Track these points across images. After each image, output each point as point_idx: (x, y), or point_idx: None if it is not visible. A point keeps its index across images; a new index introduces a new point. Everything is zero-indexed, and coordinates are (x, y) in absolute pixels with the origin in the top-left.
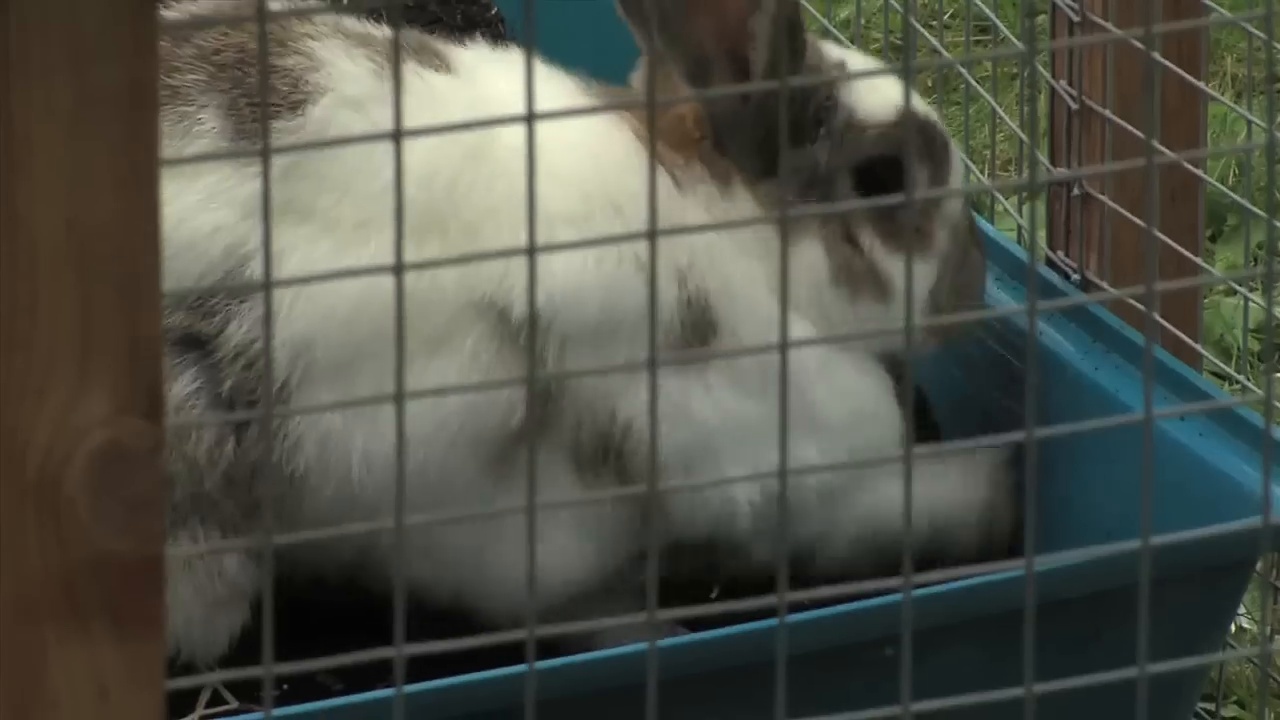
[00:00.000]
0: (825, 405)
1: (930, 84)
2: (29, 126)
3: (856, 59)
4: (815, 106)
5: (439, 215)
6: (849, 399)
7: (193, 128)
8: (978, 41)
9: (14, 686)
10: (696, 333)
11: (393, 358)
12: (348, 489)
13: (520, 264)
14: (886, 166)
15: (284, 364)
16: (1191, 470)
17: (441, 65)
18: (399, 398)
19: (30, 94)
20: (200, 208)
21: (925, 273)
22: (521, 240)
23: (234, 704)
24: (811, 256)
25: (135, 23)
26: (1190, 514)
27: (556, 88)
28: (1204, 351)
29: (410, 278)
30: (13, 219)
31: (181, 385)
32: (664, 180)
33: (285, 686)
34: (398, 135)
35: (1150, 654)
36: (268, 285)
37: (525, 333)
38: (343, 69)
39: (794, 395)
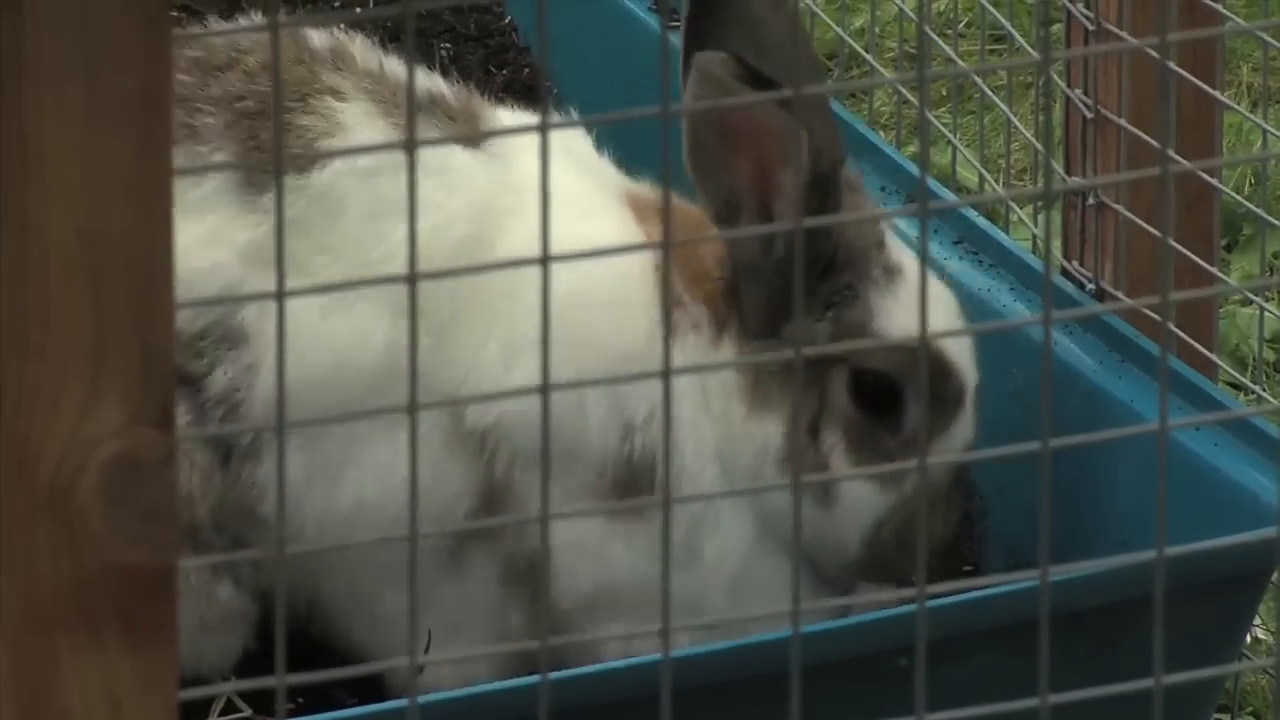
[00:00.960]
0: (713, 591)
1: (945, 93)
2: (42, 133)
3: (910, 265)
4: (834, 287)
5: (424, 300)
6: (742, 591)
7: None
8: (993, 50)
9: (26, 696)
10: (630, 489)
11: (359, 427)
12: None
13: (480, 374)
14: (884, 388)
15: (259, 417)
16: (1206, 481)
17: (473, 140)
18: (412, 407)
19: (43, 101)
20: (202, 245)
21: (874, 500)
22: (491, 349)
23: (248, 712)
24: (767, 434)
25: (149, 30)
26: (1206, 525)
27: (584, 186)
28: (1219, 361)
29: (381, 357)
30: (25, 227)
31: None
32: (648, 320)
33: (300, 700)
34: (411, 145)
35: (1166, 664)
36: (280, 294)
37: (473, 440)
38: (359, 138)
39: (700, 570)
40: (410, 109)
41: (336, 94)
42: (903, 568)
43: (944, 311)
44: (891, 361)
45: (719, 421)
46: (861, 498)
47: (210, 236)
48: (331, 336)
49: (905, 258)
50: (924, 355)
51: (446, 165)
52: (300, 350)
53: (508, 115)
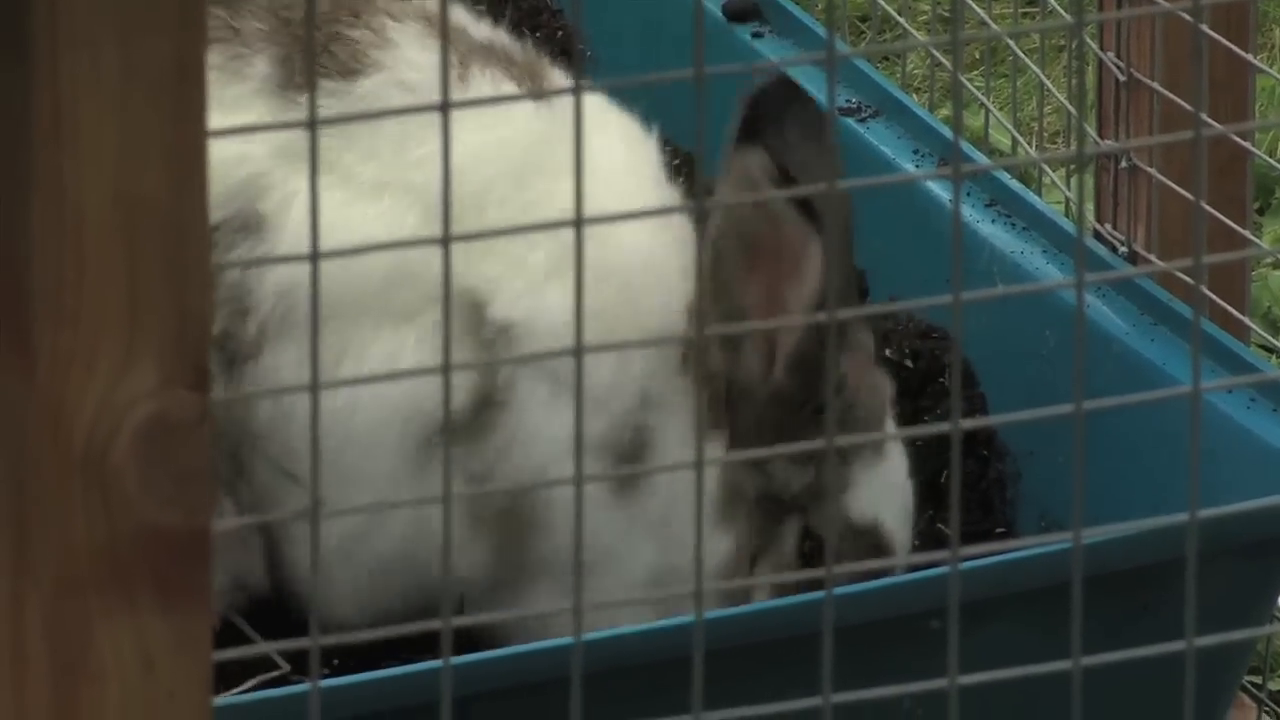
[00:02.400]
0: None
1: (978, 56)
2: (75, 99)
3: (895, 452)
4: (812, 451)
5: (460, 209)
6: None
7: (243, 69)
8: (1025, 13)
9: (60, 658)
10: (623, 459)
11: (358, 319)
12: (288, 456)
13: (513, 273)
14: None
15: (267, 306)
16: (1239, 443)
17: (528, 88)
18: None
19: (77, 67)
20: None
21: (720, 546)
22: (538, 255)
23: (286, 668)
24: (717, 549)
25: None
26: (1238, 487)
27: (633, 177)
28: (1251, 324)
29: (399, 251)
30: (59, 192)
31: None
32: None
33: (335, 662)
34: (445, 107)
35: (1197, 627)
36: (314, 256)
37: (493, 336)
38: (408, 54)
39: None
40: (443, 71)
41: (390, 15)
42: None
43: (899, 505)
44: (844, 542)
45: (686, 510)
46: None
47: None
48: (352, 224)
49: (895, 444)
50: (958, 333)
51: (505, 107)
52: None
53: (562, 77)
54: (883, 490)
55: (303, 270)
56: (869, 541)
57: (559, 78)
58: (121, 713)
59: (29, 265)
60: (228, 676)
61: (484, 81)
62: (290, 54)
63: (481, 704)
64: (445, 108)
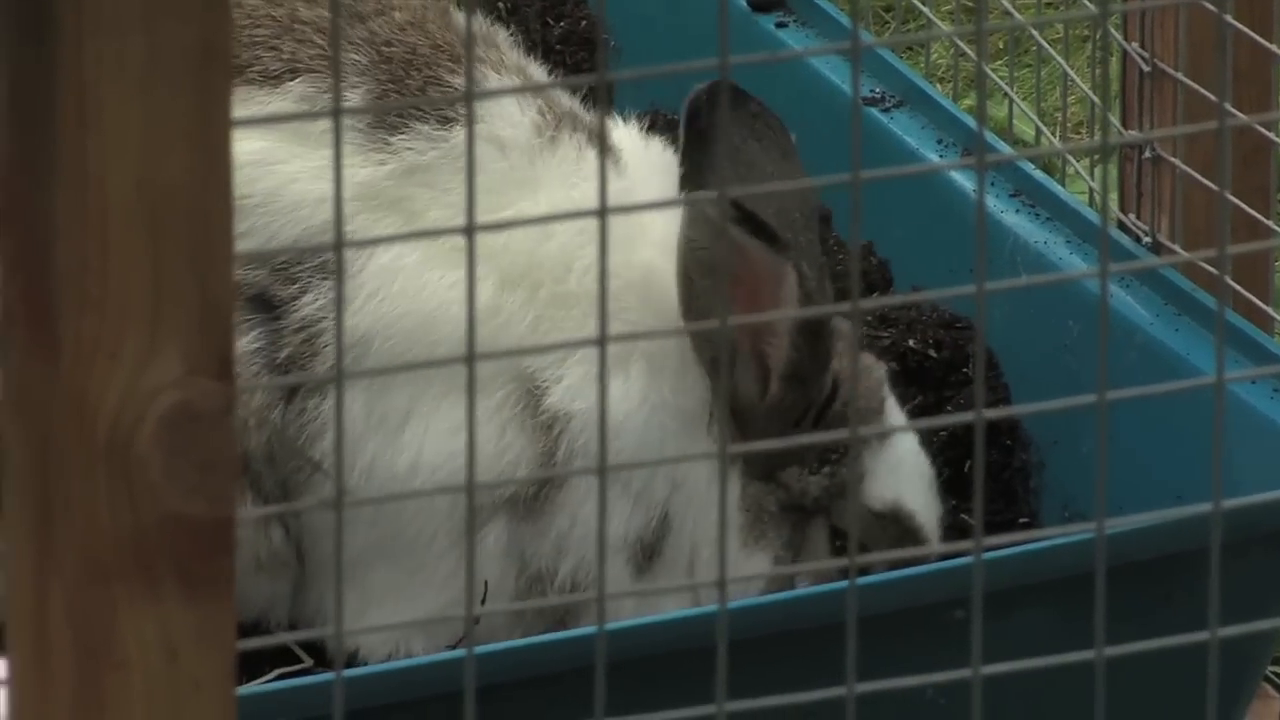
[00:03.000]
0: None
1: (1002, 46)
2: (100, 85)
3: (901, 437)
4: (825, 445)
5: (538, 274)
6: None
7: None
8: (1050, 3)
9: (84, 647)
10: (653, 546)
11: (429, 382)
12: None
13: (574, 365)
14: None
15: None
16: (1262, 433)
17: (608, 154)
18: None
19: (102, 53)
20: (316, 175)
21: (759, 566)
22: (585, 363)
23: (309, 662)
24: (756, 567)
25: None
26: (1261, 477)
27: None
28: (1275, 314)
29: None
30: (84, 179)
31: (245, 342)
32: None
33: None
34: (603, 212)
35: (1221, 617)
36: (338, 244)
37: (544, 421)
38: (505, 110)
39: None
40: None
41: (493, 66)
42: None
43: (916, 479)
44: (866, 531)
45: (712, 547)
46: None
47: (328, 166)
48: (428, 287)
49: (899, 426)
50: (980, 335)
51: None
52: (394, 295)
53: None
54: (896, 470)
55: (376, 323)
56: (896, 527)
57: (623, 136)
58: (146, 702)
59: (53, 252)
60: (249, 666)
61: (571, 147)
62: (386, 92)
63: (504, 694)
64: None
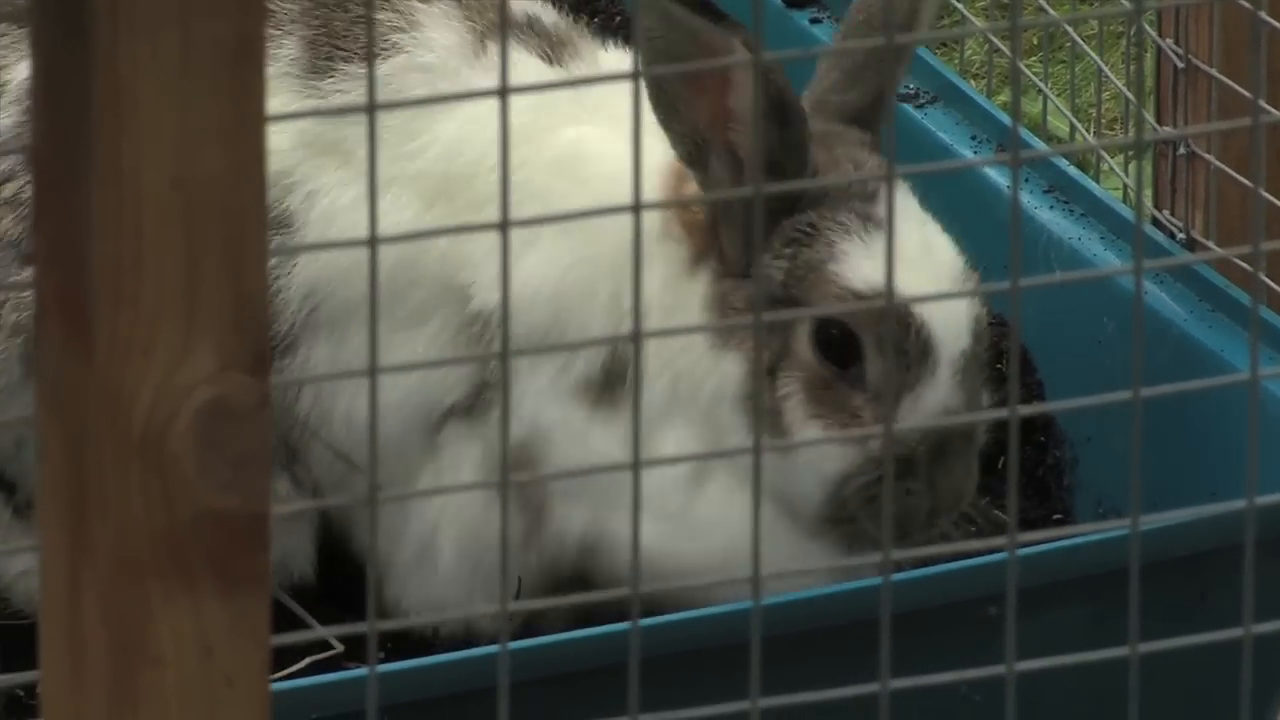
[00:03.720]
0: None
1: (1036, 42)
2: (136, 82)
3: (904, 228)
4: (796, 224)
5: (452, 186)
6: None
7: (272, 51)
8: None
9: (119, 642)
10: (607, 385)
11: (379, 326)
12: (335, 450)
13: (490, 257)
14: (843, 339)
15: (293, 307)
16: None
17: (556, 58)
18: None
19: (137, 49)
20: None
21: (833, 453)
22: (513, 234)
23: (340, 648)
24: (726, 370)
25: None
26: None
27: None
28: None
29: (397, 251)
30: (119, 175)
31: None
32: (653, 230)
33: (389, 646)
34: (503, 92)
35: (1255, 614)
36: (373, 240)
37: (477, 326)
38: (428, 35)
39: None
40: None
41: None
42: (872, 531)
43: (936, 274)
44: (838, 305)
45: (681, 354)
46: (820, 450)
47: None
48: (362, 223)
49: (903, 219)
50: (1016, 331)
51: (516, 70)
52: (332, 236)
53: (611, 56)
54: (900, 255)
55: (328, 270)
56: (894, 318)
57: (600, 55)
58: (180, 698)
59: (88, 249)
60: (280, 655)
61: (492, 58)
62: (318, 36)
63: (537, 689)
64: (504, 92)
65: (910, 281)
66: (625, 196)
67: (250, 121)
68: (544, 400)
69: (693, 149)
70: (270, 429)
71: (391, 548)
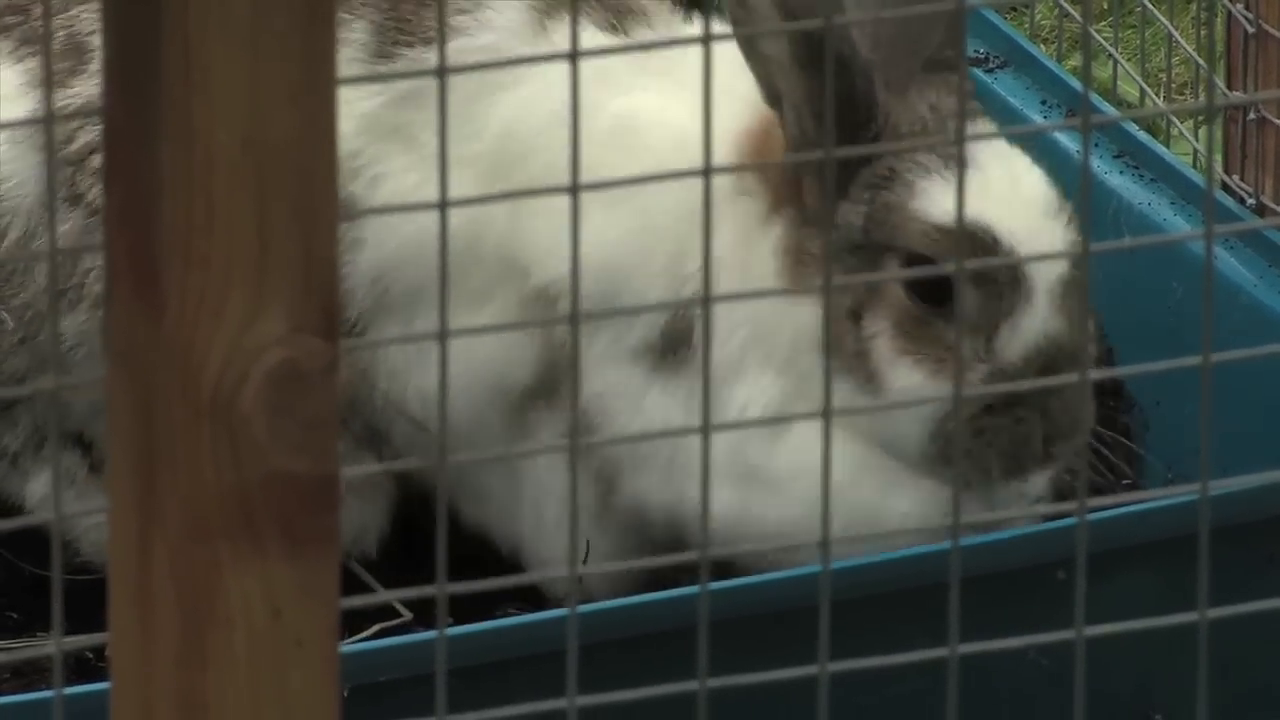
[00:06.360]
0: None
1: (1106, 6)
2: (206, 44)
3: (990, 162)
4: (875, 170)
5: (508, 167)
6: (798, 456)
7: (341, 34)
8: None
9: (188, 603)
10: (672, 348)
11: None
12: (415, 423)
13: (547, 232)
14: (935, 275)
15: (364, 289)
16: None
17: (621, 27)
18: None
19: (208, 12)
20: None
21: (927, 391)
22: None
23: (409, 616)
24: (805, 317)
25: None
26: None
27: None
28: None
29: (463, 224)
30: (190, 137)
31: None
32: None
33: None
34: (574, 55)
35: None
36: (443, 204)
37: (542, 300)
38: (488, 17)
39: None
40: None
41: None
42: (989, 461)
43: (1025, 206)
44: (925, 243)
45: (756, 308)
46: (911, 389)
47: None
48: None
49: (990, 155)
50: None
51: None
52: (401, 221)
53: (683, 23)
54: (983, 189)
55: (396, 254)
56: (972, 243)
57: (669, 17)
58: (249, 659)
59: (159, 210)
60: (349, 622)
61: (564, 32)
62: (385, 21)
63: (604, 652)
64: (574, 56)
65: (997, 214)
66: (679, 165)
67: (321, 83)
68: (602, 367)
69: (774, 91)
70: (338, 391)
71: (509, 524)
